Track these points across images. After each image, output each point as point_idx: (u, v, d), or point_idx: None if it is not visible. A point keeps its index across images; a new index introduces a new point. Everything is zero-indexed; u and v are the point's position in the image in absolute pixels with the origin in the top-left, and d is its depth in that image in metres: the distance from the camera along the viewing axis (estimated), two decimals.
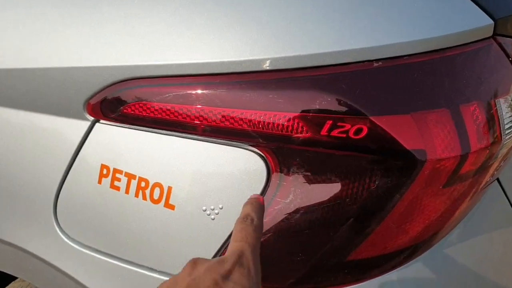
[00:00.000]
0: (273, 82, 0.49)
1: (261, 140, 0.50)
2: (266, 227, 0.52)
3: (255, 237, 0.44)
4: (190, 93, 0.52)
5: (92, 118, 0.58)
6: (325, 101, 0.48)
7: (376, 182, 0.49)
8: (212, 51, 0.51)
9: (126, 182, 0.57)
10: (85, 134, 0.59)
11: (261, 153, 0.51)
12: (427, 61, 0.49)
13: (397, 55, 0.48)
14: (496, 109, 0.53)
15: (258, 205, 0.48)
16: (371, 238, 0.52)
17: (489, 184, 0.61)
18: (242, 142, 0.52)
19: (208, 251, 0.55)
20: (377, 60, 0.48)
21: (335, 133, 0.48)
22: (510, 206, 0.67)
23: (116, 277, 0.62)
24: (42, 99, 0.61)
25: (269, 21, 0.50)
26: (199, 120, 0.52)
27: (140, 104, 0.54)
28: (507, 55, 0.56)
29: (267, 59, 0.49)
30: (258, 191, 0.52)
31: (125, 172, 0.57)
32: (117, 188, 0.58)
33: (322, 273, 0.55)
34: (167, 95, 0.53)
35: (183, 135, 0.54)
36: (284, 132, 0.49)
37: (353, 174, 0.49)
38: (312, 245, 0.53)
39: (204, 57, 0.51)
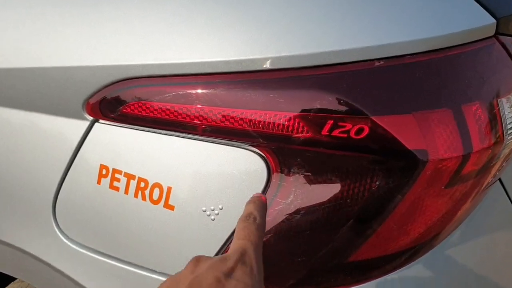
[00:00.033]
0: (273, 81, 0.49)
1: (261, 140, 0.50)
2: (266, 227, 0.52)
3: (258, 236, 0.44)
4: (190, 93, 0.51)
5: (91, 118, 0.58)
6: (326, 101, 0.48)
7: (377, 183, 0.49)
8: (212, 50, 0.50)
9: (125, 182, 0.57)
10: (84, 134, 0.59)
11: (261, 153, 0.51)
12: (429, 60, 0.49)
13: (399, 54, 0.48)
14: (499, 108, 0.53)
15: (260, 203, 0.48)
16: (372, 239, 0.52)
17: (491, 185, 0.61)
18: (242, 142, 0.51)
19: (208, 252, 0.55)
20: (378, 60, 0.48)
21: (336, 133, 0.48)
22: None
23: (115, 278, 0.62)
24: (41, 98, 0.61)
25: (270, 20, 0.50)
26: (199, 120, 0.52)
27: (140, 104, 0.54)
28: (510, 55, 0.56)
29: (268, 58, 0.49)
30: (259, 192, 0.52)
31: (125, 172, 0.57)
32: (117, 189, 0.58)
33: (323, 274, 0.55)
34: (167, 94, 0.52)
35: (183, 135, 0.53)
36: (284, 132, 0.49)
37: (354, 175, 0.49)
38: (312, 246, 0.53)
39: (204, 57, 0.50)
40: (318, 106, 0.48)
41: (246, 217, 0.45)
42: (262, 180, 0.52)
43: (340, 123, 0.47)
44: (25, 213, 0.68)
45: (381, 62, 0.48)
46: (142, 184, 0.56)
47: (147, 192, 0.56)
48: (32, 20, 0.61)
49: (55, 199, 0.63)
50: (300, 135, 0.49)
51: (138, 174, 0.56)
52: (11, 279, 1.00)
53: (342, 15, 0.50)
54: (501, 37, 0.55)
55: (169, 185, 0.55)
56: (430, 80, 0.49)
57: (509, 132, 0.55)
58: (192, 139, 0.53)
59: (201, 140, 0.53)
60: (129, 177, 0.56)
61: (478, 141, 0.51)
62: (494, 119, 0.53)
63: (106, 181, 0.58)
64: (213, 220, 0.54)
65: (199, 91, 0.51)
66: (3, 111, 0.65)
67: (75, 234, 0.64)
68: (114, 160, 0.57)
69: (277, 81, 0.49)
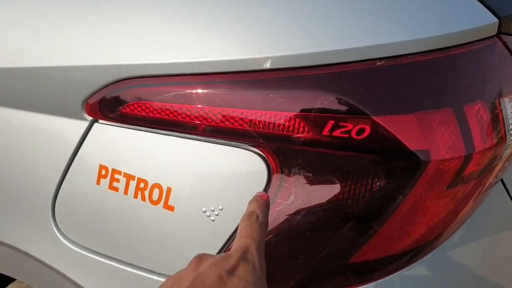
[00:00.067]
0: (274, 81, 0.49)
1: (261, 140, 0.50)
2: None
3: (260, 234, 0.44)
4: (190, 93, 0.51)
5: (90, 118, 0.58)
6: (327, 101, 0.47)
7: (379, 183, 0.49)
8: (212, 50, 0.50)
9: (125, 183, 0.57)
10: (83, 134, 0.59)
11: (261, 153, 0.51)
12: (430, 60, 0.49)
13: (400, 53, 0.48)
14: (501, 108, 0.53)
15: (263, 202, 0.48)
16: (374, 240, 0.52)
17: (492, 185, 0.61)
18: (242, 142, 0.51)
19: (208, 253, 0.55)
20: (379, 59, 0.48)
21: (337, 133, 0.48)
22: None
23: (115, 279, 0.62)
24: (41, 98, 0.61)
25: (270, 20, 0.50)
26: (199, 120, 0.51)
27: (139, 104, 0.54)
28: None
29: (268, 58, 0.48)
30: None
31: (124, 173, 0.57)
32: (116, 189, 0.57)
33: (324, 276, 0.54)
34: (167, 94, 0.52)
35: (183, 135, 0.53)
36: (285, 132, 0.49)
37: (355, 175, 0.49)
38: (313, 247, 0.52)
39: (204, 56, 0.50)
40: (319, 106, 0.47)
41: (249, 216, 0.46)
42: (262, 181, 0.51)
43: (341, 123, 0.47)
44: (24, 214, 0.67)
45: (383, 62, 0.48)
46: (142, 185, 0.56)
47: (146, 192, 0.56)
48: (32, 20, 0.60)
49: (54, 200, 0.63)
50: (301, 135, 0.48)
51: (137, 174, 0.56)
52: (11, 280, 1.00)
53: (342, 14, 0.49)
54: (504, 37, 0.55)
55: (169, 186, 0.55)
56: (431, 79, 0.49)
57: (511, 132, 0.54)
58: (192, 139, 0.53)
59: (201, 140, 0.53)
60: (129, 177, 0.56)
61: (480, 141, 0.50)
62: (496, 119, 0.52)
63: (105, 182, 0.58)
64: (213, 221, 0.54)
65: (199, 91, 0.51)
66: (3, 111, 0.65)
67: (74, 235, 0.64)
68: (114, 161, 0.57)
69: (278, 81, 0.49)
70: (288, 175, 0.50)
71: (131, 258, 0.60)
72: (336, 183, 0.49)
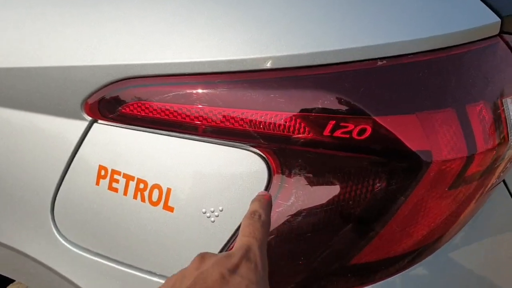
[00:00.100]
0: (274, 81, 0.49)
1: (262, 141, 0.50)
2: None
3: (263, 233, 0.44)
4: (190, 93, 0.51)
5: (89, 118, 0.58)
6: (328, 101, 0.47)
7: (380, 184, 0.49)
8: (212, 50, 0.50)
9: (124, 184, 0.56)
10: (82, 135, 0.59)
11: (262, 154, 0.51)
12: (432, 59, 0.49)
13: (402, 53, 0.48)
14: (503, 109, 0.52)
15: (265, 201, 0.48)
16: (375, 242, 0.51)
17: (495, 186, 0.61)
18: (242, 143, 0.51)
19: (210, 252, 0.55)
20: (381, 59, 0.47)
21: (338, 133, 0.47)
22: None
23: (114, 281, 0.62)
24: (41, 98, 0.60)
25: (270, 19, 0.50)
26: (199, 120, 0.51)
27: (139, 104, 0.54)
28: None
29: (268, 58, 0.48)
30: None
31: (124, 173, 0.56)
32: (115, 190, 0.57)
33: (325, 277, 0.54)
34: (166, 94, 0.52)
35: (183, 135, 0.53)
36: (285, 133, 0.49)
37: (357, 176, 0.49)
38: (314, 249, 0.52)
39: (204, 56, 0.50)
40: (320, 106, 0.47)
41: (251, 215, 0.46)
42: (263, 182, 0.51)
43: (342, 124, 0.47)
44: (23, 214, 0.67)
45: (384, 62, 0.48)
46: (142, 185, 0.55)
47: (146, 193, 0.55)
48: (32, 20, 0.60)
49: (53, 200, 0.63)
50: (302, 135, 0.48)
51: (137, 175, 0.56)
52: (10, 281, 1.00)
53: (343, 13, 0.49)
54: (506, 36, 0.54)
55: (168, 186, 0.54)
56: (433, 79, 0.48)
57: None
58: (192, 139, 0.53)
59: (201, 141, 0.53)
60: (128, 178, 0.56)
61: (483, 141, 0.50)
62: (499, 119, 0.52)
63: (105, 182, 0.58)
64: (213, 222, 0.54)
65: (199, 91, 0.51)
66: (2, 111, 0.65)
67: (73, 236, 0.64)
68: (113, 161, 0.57)
69: (278, 81, 0.48)
70: (289, 176, 0.50)
71: (131, 259, 0.60)
72: (337, 184, 0.49)
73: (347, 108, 0.47)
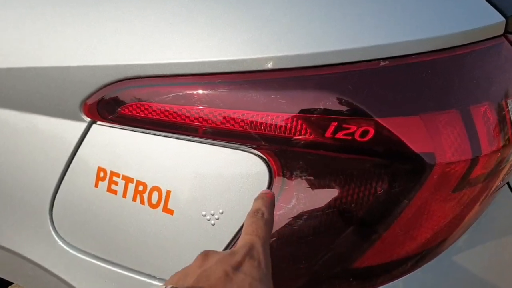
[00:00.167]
0: (275, 82, 0.48)
1: (263, 142, 0.49)
2: None
3: (266, 231, 0.44)
4: (190, 94, 0.51)
5: (88, 119, 0.57)
6: (330, 102, 0.47)
7: (383, 187, 0.48)
8: (212, 50, 0.50)
9: (123, 186, 0.56)
10: (81, 136, 0.58)
11: (263, 155, 0.50)
12: (436, 60, 0.48)
13: (405, 53, 0.47)
14: (508, 110, 0.52)
15: (268, 200, 0.48)
16: (378, 245, 0.51)
17: (499, 188, 0.60)
18: (243, 145, 0.51)
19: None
20: (384, 59, 0.47)
21: (340, 135, 0.47)
22: None
23: (113, 283, 0.61)
24: (40, 99, 0.60)
25: (271, 19, 0.49)
26: (199, 122, 0.51)
27: (138, 105, 0.53)
28: None
29: (269, 58, 0.48)
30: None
31: (123, 175, 0.56)
32: (114, 192, 0.57)
33: (326, 281, 0.54)
34: (166, 95, 0.52)
35: (183, 137, 0.53)
36: (287, 134, 0.48)
37: (359, 178, 0.48)
38: (316, 252, 0.52)
39: (204, 56, 0.50)
40: (322, 108, 0.47)
41: (254, 213, 0.46)
42: (263, 184, 0.51)
43: (344, 125, 0.47)
44: (22, 216, 0.67)
45: (387, 62, 0.47)
46: (141, 188, 0.55)
47: (145, 195, 0.55)
48: (32, 20, 0.60)
49: (52, 202, 0.63)
50: (303, 137, 0.48)
51: (136, 177, 0.55)
52: (8, 283, 0.99)
53: (345, 13, 0.49)
54: (511, 36, 0.54)
55: (168, 189, 0.54)
56: (437, 80, 0.48)
57: None
58: (192, 141, 0.53)
59: (201, 142, 0.52)
60: (127, 180, 0.56)
61: (487, 143, 0.50)
62: (503, 120, 0.52)
63: (103, 184, 0.57)
64: (213, 225, 0.53)
65: (199, 91, 0.51)
66: (2, 112, 0.64)
67: (72, 239, 0.63)
68: (112, 163, 0.57)
69: (279, 82, 0.48)
70: (290, 178, 0.50)
71: (130, 262, 0.60)
72: (339, 187, 0.49)
73: (349, 109, 0.47)
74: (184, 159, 0.53)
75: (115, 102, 0.55)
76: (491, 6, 0.52)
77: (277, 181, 0.50)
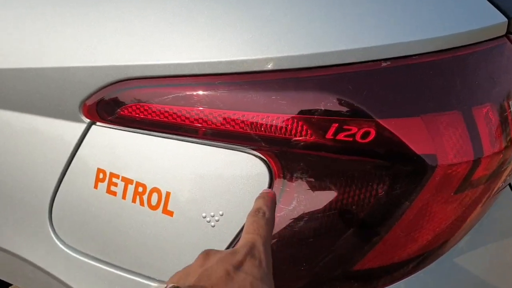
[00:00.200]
0: (275, 82, 0.48)
1: (263, 144, 0.49)
2: None
3: (267, 230, 0.44)
4: (190, 94, 0.51)
5: (88, 120, 0.57)
6: (331, 103, 0.46)
7: (384, 188, 0.48)
8: (212, 51, 0.49)
9: (123, 187, 0.56)
10: (81, 137, 0.58)
11: (263, 157, 0.50)
12: (437, 60, 0.48)
13: (406, 54, 0.47)
14: (510, 111, 0.52)
15: (270, 199, 0.48)
16: (379, 247, 0.51)
17: (501, 190, 0.60)
18: (243, 146, 0.50)
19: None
20: (385, 60, 0.47)
21: (341, 136, 0.47)
22: None
23: (113, 285, 0.61)
24: (40, 100, 0.60)
25: (271, 19, 0.49)
26: (199, 123, 0.51)
27: (138, 106, 0.53)
28: None
29: (270, 59, 0.48)
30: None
31: (122, 177, 0.56)
32: (114, 193, 0.57)
33: (327, 283, 0.54)
34: (166, 96, 0.52)
35: (182, 138, 0.53)
36: (287, 135, 0.48)
37: (360, 180, 0.48)
38: (316, 254, 0.52)
39: (204, 57, 0.50)
40: (322, 109, 0.47)
41: (256, 212, 0.46)
42: (264, 185, 0.51)
43: (345, 126, 0.46)
44: (21, 218, 0.67)
45: (388, 63, 0.47)
46: (140, 189, 0.55)
47: (145, 197, 0.55)
48: (32, 20, 0.60)
49: (51, 204, 0.63)
50: (304, 138, 0.47)
51: (136, 178, 0.55)
52: (7, 285, 0.99)
53: (346, 13, 0.49)
54: None
55: (168, 190, 0.54)
56: (439, 81, 0.48)
57: None
58: (191, 142, 0.52)
59: (201, 144, 0.52)
60: (127, 181, 0.56)
61: (489, 145, 0.50)
62: (505, 121, 0.52)
63: (103, 186, 0.57)
64: (213, 226, 0.53)
65: (199, 92, 0.50)
66: (1, 113, 0.64)
67: (71, 240, 0.63)
68: (112, 164, 0.56)
69: (280, 83, 0.48)
70: (290, 179, 0.50)
71: (130, 264, 0.59)
72: (340, 188, 0.48)
73: (350, 110, 0.46)
74: (184, 160, 0.53)
75: (115, 103, 0.54)
76: (493, 7, 0.51)
77: (278, 182, 0.50)
